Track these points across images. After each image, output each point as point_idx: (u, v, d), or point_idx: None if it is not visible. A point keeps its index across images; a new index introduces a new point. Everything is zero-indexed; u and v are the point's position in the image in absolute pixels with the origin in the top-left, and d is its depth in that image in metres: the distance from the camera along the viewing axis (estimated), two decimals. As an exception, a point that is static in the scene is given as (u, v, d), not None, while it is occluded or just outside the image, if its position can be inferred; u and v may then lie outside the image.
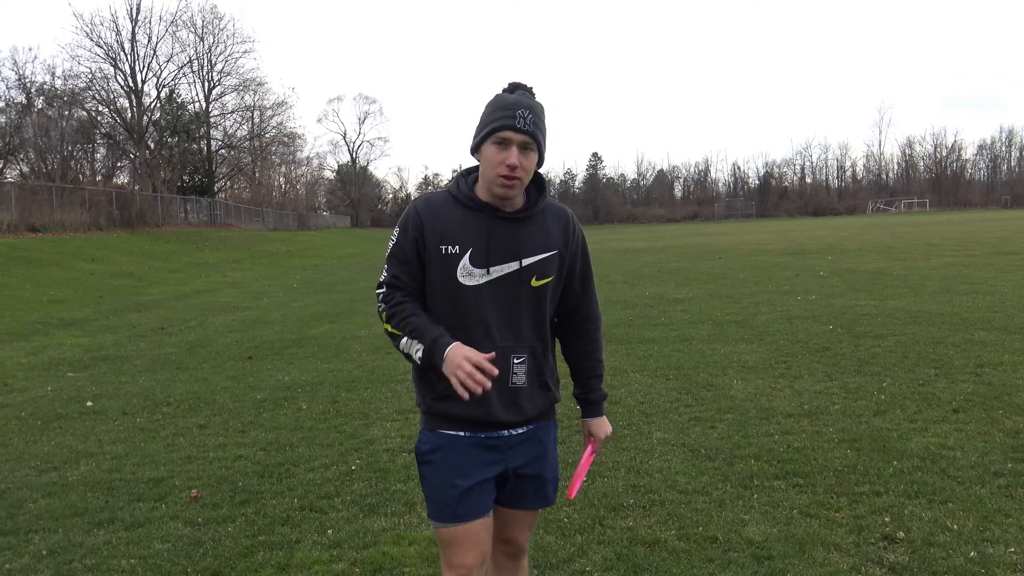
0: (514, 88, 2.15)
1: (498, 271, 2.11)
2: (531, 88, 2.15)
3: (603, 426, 2.38)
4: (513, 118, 2.03)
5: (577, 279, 2.27)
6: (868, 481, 4.06)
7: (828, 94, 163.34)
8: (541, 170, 2.21)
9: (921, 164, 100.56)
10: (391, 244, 2.19)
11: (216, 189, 56.03)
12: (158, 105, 49.43)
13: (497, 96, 2.13)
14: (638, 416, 5.51)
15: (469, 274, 2.11)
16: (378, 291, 2.21)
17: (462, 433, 2.14)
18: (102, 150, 48.69)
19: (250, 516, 3.98)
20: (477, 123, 2.14)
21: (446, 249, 2.10)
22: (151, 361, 8.82)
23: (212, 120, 54.83)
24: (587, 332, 2.32)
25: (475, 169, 2.18)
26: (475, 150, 2.14)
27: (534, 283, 2.15)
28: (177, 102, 51.18)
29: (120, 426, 5.92)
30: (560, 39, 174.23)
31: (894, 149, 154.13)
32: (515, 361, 2.15)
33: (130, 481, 4.60)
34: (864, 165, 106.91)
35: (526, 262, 2.13)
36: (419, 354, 2.08)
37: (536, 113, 2.08)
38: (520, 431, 2.20)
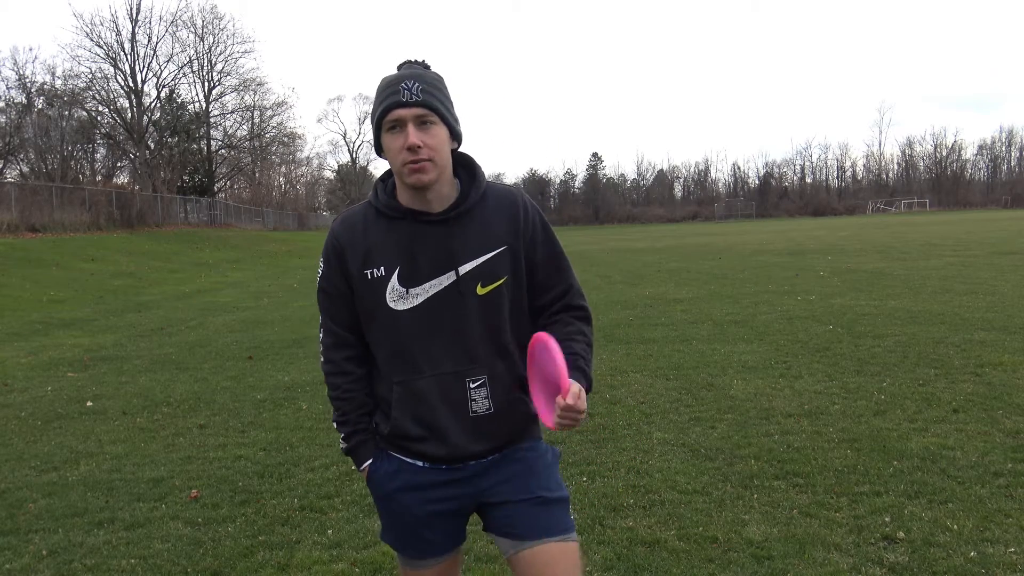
0: (400, 66, 1.85)
1: (433, 287, 1.81)
2: (423, 61, 1.85)
3: (579, 388, 1.71)
4: (398, 93, 1.73)
5: (542, 270, 1.89)
6: (868, 481, 4.06)
7: (828, 94, 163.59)
8: (471, 152, 1.89)
9: (921, 164, 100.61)
10: (318, 278, 1.92)
11: (216, 189, 56.06)
12: (158, 105, 49.57)
13: (382, 79, 1.82)
14: (638, 416, 5.51)
15: (401, 297, 1.81)
16: (319, 338, 1.99)
17: (419, 463, 1.88)
18: (102, 150, 48.85)
19: (250, 516, 3.98)
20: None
21: (371, 273, 1.82)
22: (151, 361, 8.82)
23: (212, 120, 54.92)
24: (565, 321, 1.90)
25: None
26: (379, 150, 1.83)
27: (480, 291, 1.82)
28: (177, 102, 51.25)
29: (120, 426, 5.92)
30: (560, 40, 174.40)
31: (894, 149, 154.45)
32: (471, 386, 1.83)
33: (130, 481, 4.60)
34: (864, 165, 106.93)
35: (464, 269, 1.80)
36: (341, 444, 1.98)
37: (426, 81, 1.75)
38: (491, 459, 1.89)
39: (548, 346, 1.72)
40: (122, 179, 47.27)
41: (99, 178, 44.87)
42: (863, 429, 4.95)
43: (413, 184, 1.76)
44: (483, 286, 1.82)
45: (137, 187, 40.81)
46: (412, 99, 1.72)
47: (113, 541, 3.73)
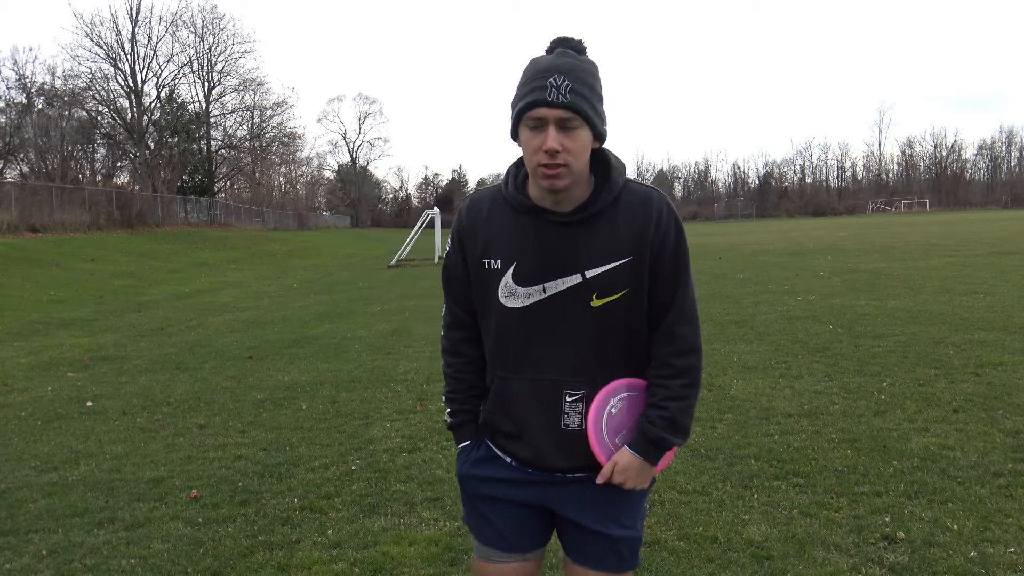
0: (554, 47, 1.68)
1: (547, 290, 1.73)
2: (579, 41, 1.68)
3: (628, 461, 1.76)
4: (544, 89, 1.60)
5: (660, 285, 1.75)
6: (868, 481, 4.06)
7: (828, 94, 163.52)
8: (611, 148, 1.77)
9: (921, 164, 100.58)
10: (445, 255, 1.90)
11: (216, 189, 56.07)
12: (158, 105, 49.57)
13: (531, 61, 1.68)
14: (638, 416, 5.50)
15: (512, 294, 1.75)
16: (442, 314, 1.98)
17: (508, 459, 1.86)
18: (102, 150, 48.84)
19: (250, 516, 3.98)
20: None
21: (488, 263, 1.76)
22: (151, 361, 8.82)
23: (212, 120, 54.94)
24: (663, 356, 1.77)
25: None
26: (514, 136, 1.72)
27: (595, 302, 1.71)
28: (177, 102, 51.27)
29: (120, 426, 5.92)
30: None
31: (894, 149, 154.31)
32: (568, 399, 1.75)
33: (130, 481, 4.60)
34: (864, 165, 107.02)
35: (588, 275, 1.71)
36: (446, 419, 1.97)
37: (577, 76, 1.62)
38: (579, 475, 1.81)
39: (592, 410, 1.75)
40: (122, 179, 47.34)
41: (99, 178, 44.90)
42: (863, 429, 4.95)
43: (546, 188, 1.68)
44: (599, 297, 1.72)
45: (137, 187, 40.82)
46: (559, 100, 1.60)
47: (113, 541, 3.73)
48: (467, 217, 1.82)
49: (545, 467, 1.81)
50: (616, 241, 1.71)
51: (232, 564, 3.44)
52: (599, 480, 1.77)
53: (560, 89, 1.60)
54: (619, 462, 1.76)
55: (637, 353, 1.79)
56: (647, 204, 1.73)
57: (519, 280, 1.74)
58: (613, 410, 1.78)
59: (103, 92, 46.25)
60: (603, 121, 1.69)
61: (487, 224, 1.78)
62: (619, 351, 1.77)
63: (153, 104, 49.29)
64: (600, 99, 1.68)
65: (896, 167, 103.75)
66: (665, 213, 1.73)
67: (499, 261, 1.75)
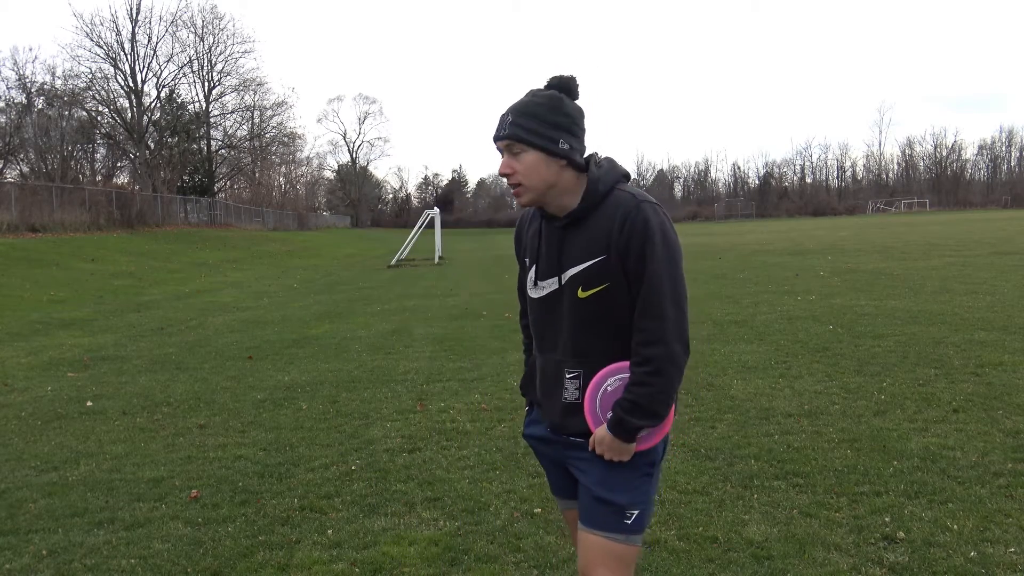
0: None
1: (549, 285, 2.07)
2: (554, 78, 2.01)
3: (602, 435, 1.99)
4: (498, 127, 1.99)
5: (631, 282, 1.96)
6: (868, 481, 4.06)
7: (828, 94, 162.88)
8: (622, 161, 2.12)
9: (921, 164, 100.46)
10: None
11: (216, 189, 56.07)
12: (158, 105, 49.57)
13: None
14: (638, 416, 5.50)
15: (534, 287, 2.12)
16: None
17: (543, 422, 2.21)
18: (102, 150, 48.83)
19: (250, 516, 3.98)
20: None
21: (526, 261, 2.18)
22: (151, 361, 8.82)
23: (212, 120, 54.95)
24: (633, 345, 1.96)
25: None
26: None
27: (581, 294, 1.99)
28: (177, 102, 51.28)
29: (120, 426, 5.92)
30: (560, 41, 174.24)
31: (894, 149, 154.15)
32: (567, 376, 2.05)
33: (130, 481, 4.60)
34: (864, 165, 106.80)
35: (567, 274, 2.01)
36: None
37: (522, 111, 1.95)
38: (580, 440, 2.07)
39: (590, 386, 2.02)
40: (122, 179, 47.30)
41: (99, 178, 44.89)
42: (863, 429, 4.95)
43: (519, 204, 2.06)
44: (584, 290, 1.99)
45: (137, 187, 40.80)
46: (501, 133, 1.97)
47: (113, 541, 3.73)
48: (517, 228, 2.27)
49: (556, 429, 2.13)
50: (593, 241, 1.97)
51: (232, 564, 3.44)
52: (588, 449, 2.05)
53: (504, 125, 1.96)
54: (596, 435, 2.01)
55: (621, 337, 2.02)
56: (619, 208, 1.95)
57: (538, 275, 2.10)
58: (609, 388, 2.01)
59: (103, 92, 46.31)
60: (553, 141, 1.94)
61: (527, 229, 2.19)
62: (612, 337, 2.00)
63: (153, 104, 49.35)
64: (551, 124, 1.94)
65: (896, 167, 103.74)
66: (632, 216, 1.93)
67: (527, 260, 2.16)
